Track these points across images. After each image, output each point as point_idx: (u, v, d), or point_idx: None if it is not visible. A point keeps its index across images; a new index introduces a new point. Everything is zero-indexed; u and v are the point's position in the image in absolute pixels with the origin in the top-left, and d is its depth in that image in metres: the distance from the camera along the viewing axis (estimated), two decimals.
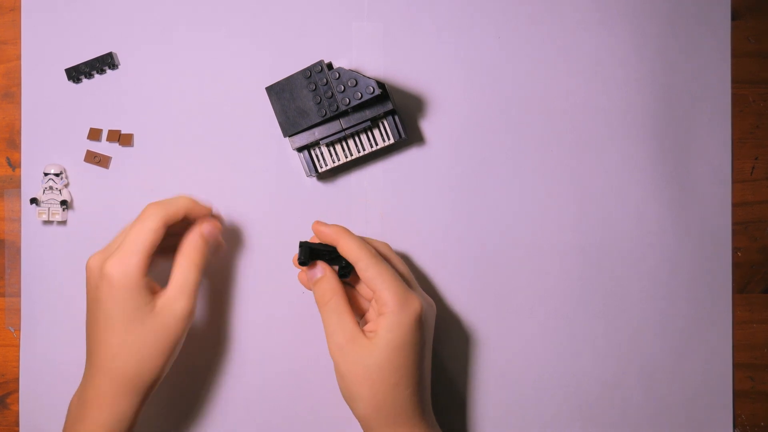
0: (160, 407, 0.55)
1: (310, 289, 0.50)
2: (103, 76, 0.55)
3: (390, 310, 0.47)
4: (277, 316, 0.55)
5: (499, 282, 0.55)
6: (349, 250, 0.48)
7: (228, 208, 0.55)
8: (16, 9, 0.56)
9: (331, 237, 0.49)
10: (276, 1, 0.55)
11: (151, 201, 0.55)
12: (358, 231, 0.55)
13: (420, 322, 0.47)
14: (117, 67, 0.55)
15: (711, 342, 0.56)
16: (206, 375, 0.55)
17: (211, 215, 0.52)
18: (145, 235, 0.47)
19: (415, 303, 0.47)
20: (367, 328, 0.48)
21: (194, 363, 0.55)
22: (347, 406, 0.49)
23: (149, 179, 0.55)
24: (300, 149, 0.53)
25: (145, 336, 0.47)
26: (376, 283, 0.47)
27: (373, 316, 0.50)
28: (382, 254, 0.50)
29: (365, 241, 0.50)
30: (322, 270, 0.50)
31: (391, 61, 0.55)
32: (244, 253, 0.55)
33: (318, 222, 0.50)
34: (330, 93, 0.51)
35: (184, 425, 0.55)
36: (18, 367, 0.56)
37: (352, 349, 0.47)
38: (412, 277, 0.51)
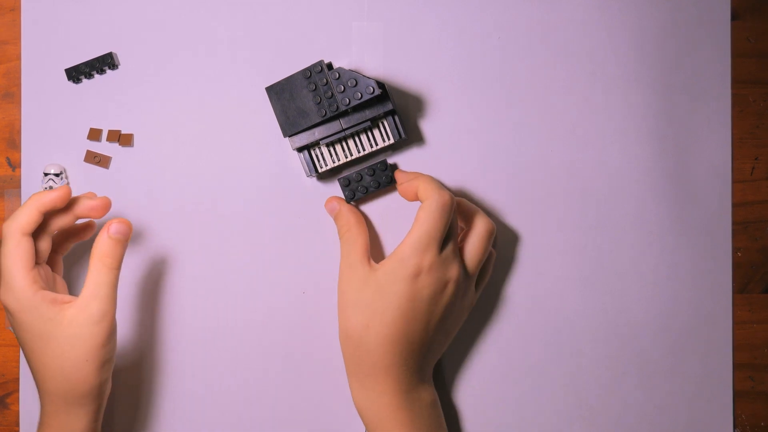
0: (157, 405, 0.55)
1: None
2: (103, 76, 0.55)
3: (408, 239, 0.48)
4: (277, 315, 0.55)
5: (498, 281, 0.55)
6: (427, 191, 0.49)
7: (228, 207, 0.55)
8: (16, 9, 0.56)
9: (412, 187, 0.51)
10: (276, 1, 0.55)
11: (151, 200, 0.55)
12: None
13: (417, 276, 0.48)
14: (117, 67, 0.55)
15: (711, 342, 0.56)
16: (205, 374, 0.55)
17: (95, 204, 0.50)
18: (10, 255, 0.46)
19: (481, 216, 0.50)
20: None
21: (194, 362, 0.55)
22: (347, 406, 0.49)
23: (149, 179, 0.55)
24: (300, 149, 0.53)
25: (61, 350, 0.46)
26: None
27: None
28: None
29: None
30: (338, 204, 0.52)
31: (391, 61, 0.55)
32: (244, 252, 0.55)
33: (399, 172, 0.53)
34: (330, 93, 0.51)
35: (180, 423, 0.55)
36: (18, 367, 0.56)
37: (347, 275, 0.49)
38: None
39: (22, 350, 0.47)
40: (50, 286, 0.49)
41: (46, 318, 0.45)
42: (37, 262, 0.48)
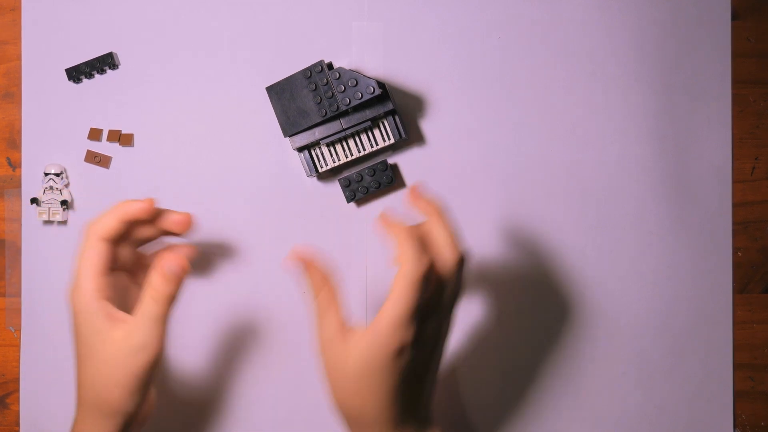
0: (157, 405, 0.55)
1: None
2: (103, 76, 0.55)
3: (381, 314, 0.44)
4: (277, 315, 0.55)
5: (498, 281, 0.55)
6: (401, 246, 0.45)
7: (228, 208, 0.55)
8: (16, 9, 0.56)
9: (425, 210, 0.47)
10: (276, 1, 0.55)
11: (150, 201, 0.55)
12: (358, 229, 0.55)
13: (399, 354, 0.43)
14: (117, 67, 0.55)
15: (711, 342, 0.56)
16: (205, 374, 0.55)
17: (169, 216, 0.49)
18: (84, 257, 0.46)
19: (451, 250, 0.44)
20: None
21: (193, 362, 0.55)
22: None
23: (149, 179, 0.55)
24: (300, 149, 0.53)
25: (98, 366, 0.45)
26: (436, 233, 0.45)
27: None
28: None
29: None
30: (307, 261, 0.47)
31: (391, 61, 0.55)
32: (244, 252, 0.55)
33: (414, 193, 0.48)
34: (330, 93, 0.51)
35: (180, 423, 0.55)
36: (18, 367, 0.56)
37: (328, 352, 0.45)
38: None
39: (74, 349, 0.47)
40: (121, 296, 0.48)
41: (96, 329, 0.45)
42: (113, 269, 0.47)
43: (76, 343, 0.46)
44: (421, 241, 0.45)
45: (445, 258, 0.45)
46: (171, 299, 0.46)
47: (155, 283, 0.46)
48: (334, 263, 0.55)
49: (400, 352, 0.43)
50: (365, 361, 0.44)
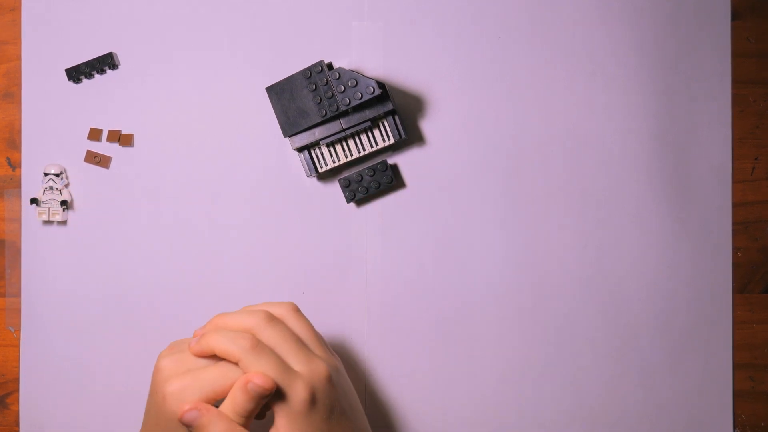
0: None
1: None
2: (103, 76, 0.55)
3: (277, 410, 0.43)
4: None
5: (498, 281, 0.55)
6: (225, 353, 0.43)
7: (228, 208, 0.55)
8: (16, 9, 0.56)
9: (205, 353, 0.44)
10: (276, 1, 0.55)
11: (151, 201, 0.55)
12: (357, 230, 0.55)
13: (310, 408, 0.43)
14: (117, 67, 0.55)
15: (711, 342, 0.56)
16: None
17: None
18: (220, 382, 0.43)
19: (299, 392, 0.43)
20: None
21: None
22: None
23: (149, 179, 0.55)
24: (300, 149, 0.53)
25: None
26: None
27: None
28: (257, 332, 0.45)
29: (232, 329, 0.45)
30: (197, 413, 0.42)
31: (391, 61, 0.55)
32: (244, 252, 0.55)
33: (192, 348, 0.45)
34: (330, 93, 0.51)
35: None
36: (18, 367, 0.56)
37: None
38: (302, 333, 0.47)
39: (146, 421, 0.45)
40: None
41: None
42: None
43: (147, 416, 0.45)
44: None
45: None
46: (249, 420, 0.44)
47: (239, 401, 0.43)
48: (334, 263, 0.55)
49: (309, 408, 0.43)
50: None
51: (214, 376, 0.43)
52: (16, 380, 0.56)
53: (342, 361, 0.53)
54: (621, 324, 0.56)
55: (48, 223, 0.55)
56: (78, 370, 0.55)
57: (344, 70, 0.50)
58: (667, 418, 0.56)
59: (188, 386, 0.43)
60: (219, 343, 0.44)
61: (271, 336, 0.45)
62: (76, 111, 0.55)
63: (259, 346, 0.44)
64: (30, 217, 0.55)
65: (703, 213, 0.56)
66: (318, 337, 0.48)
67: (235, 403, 0.43)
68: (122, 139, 0.55)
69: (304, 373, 0.44)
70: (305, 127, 0.52)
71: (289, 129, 0.52)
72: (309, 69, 0.51)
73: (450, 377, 0.56)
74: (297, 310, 0.48)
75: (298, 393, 0.43)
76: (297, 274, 0.55)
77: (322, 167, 0.54)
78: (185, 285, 0.55)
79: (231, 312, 0.47)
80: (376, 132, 0.54)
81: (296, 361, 0.45)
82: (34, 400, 0.55)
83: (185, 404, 0.43)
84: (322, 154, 0.54)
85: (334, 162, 0.54)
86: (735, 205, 0.56)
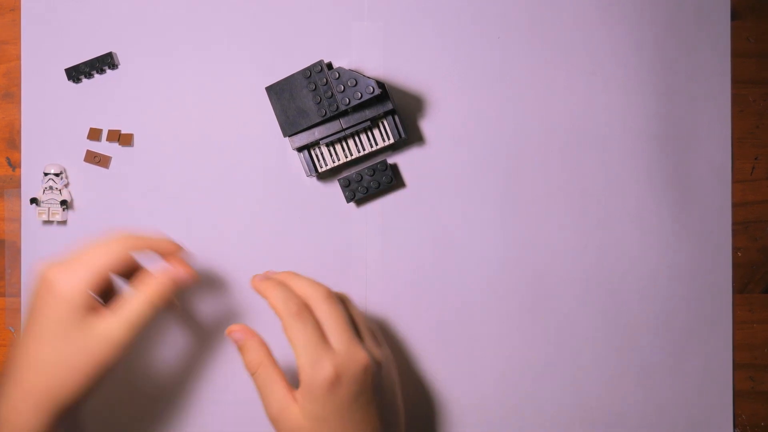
0: (157, 406, 0.55)
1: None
2: (103, 76, 0.55)
3: (302, 379, 0.45)
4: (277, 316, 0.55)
5: (498, 281, 0.55)
6: (273, 306, 0.47)
7: (227, 208, 0.55)
8: (16, 9, 0.56)
9: (260, 293, 0.48)
10: (276, 1, 0.55)
11: (151, 201, 0.55)
12: (357, 230, 0.55)
13: (332, 387, 0.44)
14: (117, 67, 0.55)
15: (711, 342, 0.56)
16: (204, 374, 0.55)
17: (182, 259, 0.50)
18: (103, 254, 0.46)
19: (325, 368, 0.44)
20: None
21: (193, 362, 0.55)
22: None
23: (149, 179, 0.55)
24: (300, 149, 0.53)
25: (69, 353, 0.45)
26: (292, 345, 0.45)
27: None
28: (313, 303, 0.47)
29: (292, 291, 0.48)
30: (242, 336, 0.48)
31: (391, 61, 0.55)
32: (244, 252, 0.55)
33: (255, 280, 0.49)
34: (330, 93, 0.51)
35: (179, 424, 0.55)
36: None
37: (284, 419, 0.45)
38: (358, 321, 0.49)
39: (25, 332, 0.46)
40: (105, 295, 0.50)
41: (77, 318, 0.45)
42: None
43: (44, 323, 0.45)
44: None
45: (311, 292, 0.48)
46: (162, 306, 0.46)
47: (161, 283, 0.47)
48: (334, 263, 0.55)
49: (332, 385, 0.44)
50: (312, 407, 0.45)
51: (96, 254, 0.46)
52: None
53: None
54: (621, 324, 0.56)
55: (48, 223, 0.55)
56: None
57: (344, 69, 0.50)
58: (667, 418, 0.56)
59: (73, 264, 0.45)
60: (272, 296, 0.47)
61: (325, 310, 0.47)
62: (75, 111, 0.55)
63: (303, 314, 0.46)
64: (30, 217, 0.55)
65: (703, 213, 0.56)
66: (373, 330, 0.50)
67: (159, 281, 0.47)
68: (122, 138, 0.55)
69: (339, 352, 0.46)
70: (305, 126, 0.52)
71: (289, 129, 0.52)
72: (309, 69, 0.51)
73: (450, 377, 0.56)
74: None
75: (323, 369, 0.45)
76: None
77: (321, 167, 0.54)
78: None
79: (302, 276, 0.49)
80: (376, 132, 0.54)
81: (338, 341, 0.46)
82: None
83: (234, 325, 0.49)
84: (321, 153, 0.54)
85: (333, 162, 0.54)
86: (735, 205, 0.56)
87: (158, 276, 0.47)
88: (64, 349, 0.45)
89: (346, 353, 0.46)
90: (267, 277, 0.49)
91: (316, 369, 0.45)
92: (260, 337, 0.48)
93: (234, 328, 0.49)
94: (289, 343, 0.46)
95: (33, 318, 0.46)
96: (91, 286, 0.45)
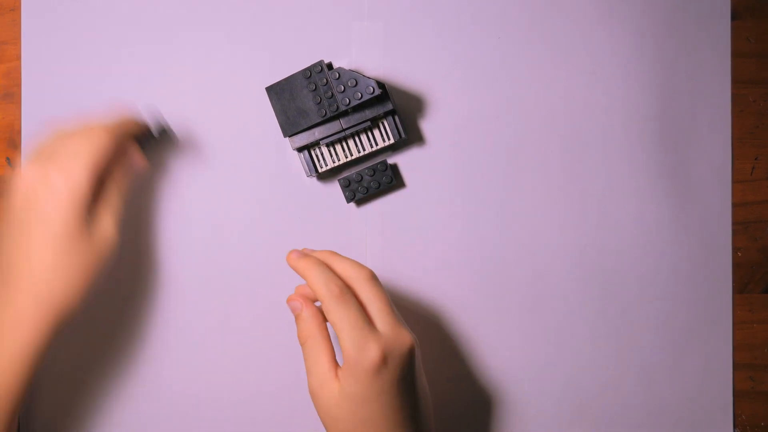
0: (157, 405, 0.55)
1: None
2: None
3: (346, 361, 0.44)
4: (276, 316, 0.55)
5: (498, 281, 0.55)
6: (312, 288, 0.46)
7: (227, 208, 0.55)
8: (16, 9, 0.56)
9: (298, 272, 0.47)
10: (276, 2, 0.55)
11: (151, 200, 0.55)
12: (357, 230, 0.55)
13: (378, 371, 0.44)
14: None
15: (711, 342, 0.56)
16: (205, 374, 0.55)
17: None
18: (99, 147, 0.46)
19: (372, 351, 0.44)
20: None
21: (193, 362, 0.55)
22: None
23: (149, 179, 0.55)
24: (300, 149, 0.53)
25: (78, 257, 0.44)
26: (336, 329, 0.45)
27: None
28: (355, 285, 0.47)
29: (332, 272, 0.47)
30: (298, 305, 0.47)
31: (391, 61, 0.55)
32: (244, 252, 0.55)
33: (292, 256, 0.48)
34: (330, 93, 0.51)
35: (179, 424, 0.55)
36: None
37: (323, 395, 0.45)
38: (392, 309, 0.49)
39: (21, 237, 0.45)
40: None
41: (84, 221, 0.44)
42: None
43: (50, 228, 0.44)
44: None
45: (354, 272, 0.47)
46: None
47: (127, 176, 0.48)
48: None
49: (377, 369, 0.44)
50: (355, 388, 0.44)
51: (92, 147, 0.45)
52: None
53: None
54: (621, 324, 0.56)
55: None
56: (77, 370, 0.55)
57: (344, 70, 0.50)
58: (667, 418, 0.56)
59: (72, 160, 0.45)
60: (312, 276, 0.46)
61: (368, 291, 0.46)
62: (75, 111, 0.55)
63: (345, 296, 0.45)
64: None
65: (703, 213, 0.56)
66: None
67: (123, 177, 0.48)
68: None
69: (386, 335, 0.45)
70: (305, 127, 0.52)
71: (289, 129, 0.52)
72: (309, 69, 0.51)
73: (450, 377, 0.56)
74: None
75: (370, 351, 0.44)
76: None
77: (322, 167, 0.54)
78: (185, 284, 0.55)
79: (344, 257, 0.48)
80: (376, 132, 0.54)
81: (384, 323, 0.45)
82: (34, 400, 0.55)
83: (294, 294, 0.48)
84: (321, 154, 0.54)
85: (334, 162, 0.54)
86: (735, 205, 0.56)
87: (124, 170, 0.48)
88: (69, 254, 0.44)
89: (393, 336, 0.45)
90: (305, 254, 0.48)
91: (362, 352, 0.44)
92: (316, 308, 0.47)
93: (293, 297, 0.48)
94: (332, 326, 0.45)
95: (36, 223, 0.44)
96: (91, 184, 0.45)
